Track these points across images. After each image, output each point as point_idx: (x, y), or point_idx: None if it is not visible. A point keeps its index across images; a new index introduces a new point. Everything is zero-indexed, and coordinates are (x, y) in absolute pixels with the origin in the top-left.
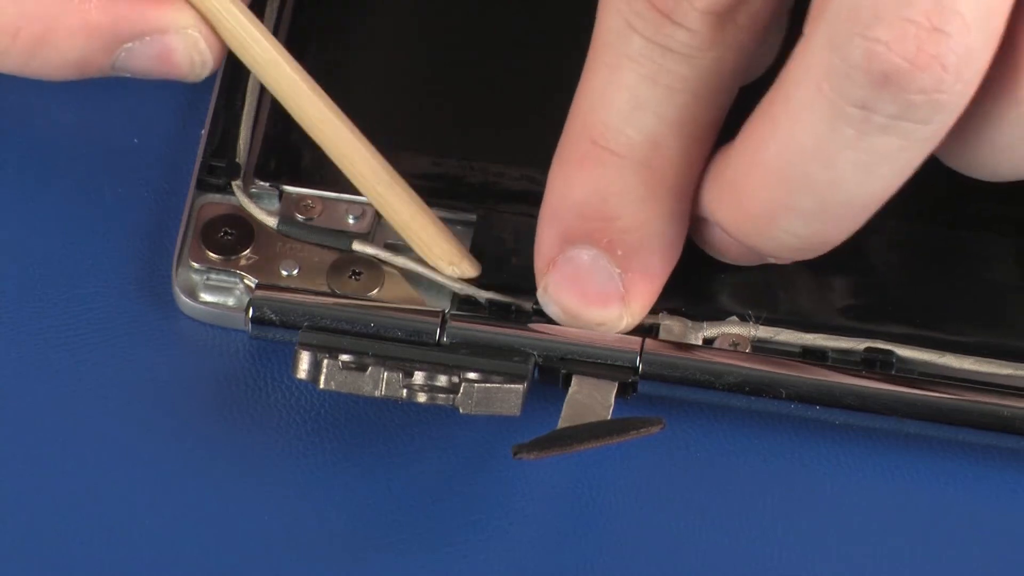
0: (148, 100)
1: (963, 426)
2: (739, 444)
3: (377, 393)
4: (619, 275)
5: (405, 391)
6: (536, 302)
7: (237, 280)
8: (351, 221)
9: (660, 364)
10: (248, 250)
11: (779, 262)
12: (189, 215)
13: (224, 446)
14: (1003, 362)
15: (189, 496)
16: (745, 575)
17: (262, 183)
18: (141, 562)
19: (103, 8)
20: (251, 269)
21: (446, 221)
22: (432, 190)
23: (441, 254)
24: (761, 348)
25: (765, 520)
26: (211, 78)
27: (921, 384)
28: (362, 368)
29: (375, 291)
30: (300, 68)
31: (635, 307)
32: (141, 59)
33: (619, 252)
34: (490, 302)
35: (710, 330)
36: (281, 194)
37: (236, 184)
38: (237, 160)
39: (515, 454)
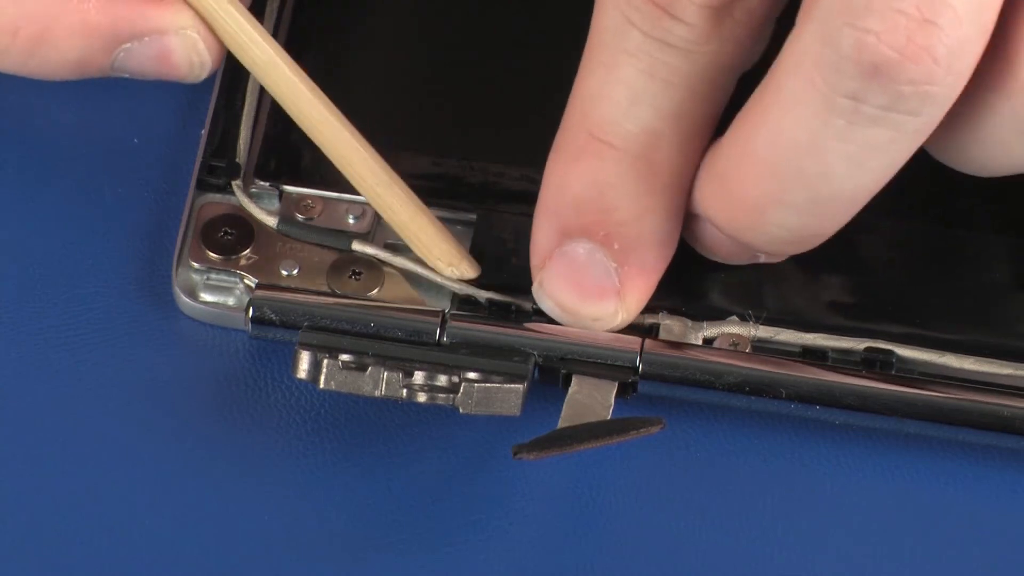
0: (148, 100)
1: (963, 426)
2: (739, 444)
3: (377, 393)
4: (615, 269)
5: (405, 391)
6: (536, 302)
7: (237, 280)
8: (351, 221)
9: (660, 364)
10: (248, 250)
11: (769, 260)
12: (189, 215)
13: (224, 446)
14: (1003, 362)
15: (189, 496)
16: (745, 575)
17: (262, 183)
18: (141, 562)
19: (102, 8)
20: (251, 269)
21: (446, 221)
22: (432, 190)
23: (440, 255)
24: (761, 348)
25: (765, 520)
26: (211, 78)
27: (921, 384)
28: (362, 368)
29: (375, 291)
30: (299, 69)
31: (631, 302)
32: (140, 59)
33: (616, 246)
34: (490, 302)
35: (710, 330)
36: (281, 194)
37: (236, 184)
38: (237, 160)
39: (515, 454)
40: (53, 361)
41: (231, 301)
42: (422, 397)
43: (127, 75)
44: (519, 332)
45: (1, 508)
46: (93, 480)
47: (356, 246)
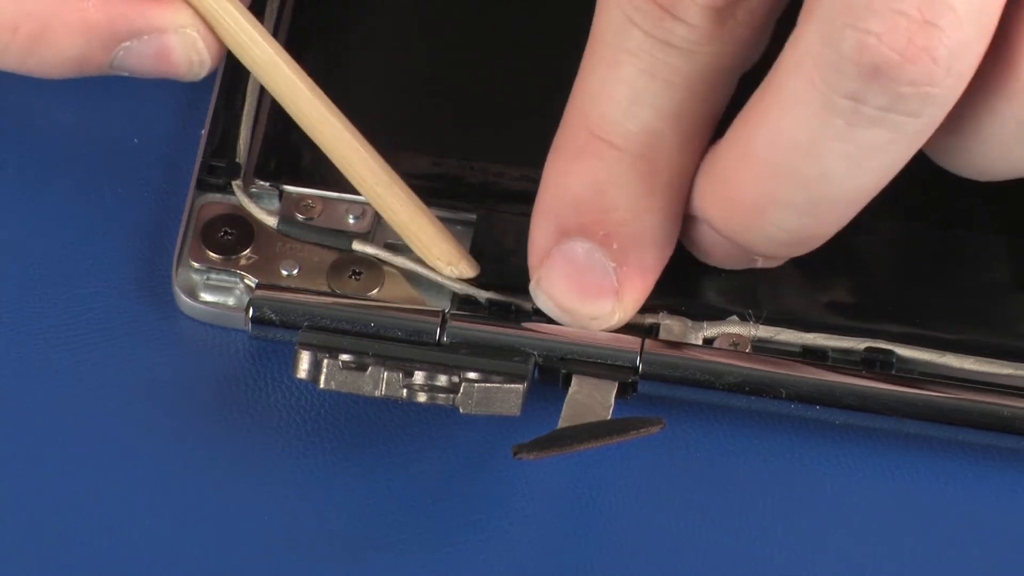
0: (148, 100)
1: (963, 426)
2: (739, 444)
3: (377, 393)
4: (614, 269)
5: (405, 391)
6: (534, 300)
7: (237, 280)
8: (351, 221)
9: (660, 364)
10: (248, 250)
11: (765, 265)
12: (189, 215)
13: (224, 446)
14: (1003, 362)
15: (189, 496)
16: (745, 575)
17: (262, 183)
18: (141, 562)
19: (101, 7)
20: (251, 269)
21: (446, 221)
22: (432, 190)
23: (439, 255)
24: (761, 348)
25: (765, 520)
26: (211, 78)
27: (921, 384)
28: (362, 368)
29: (375, 291)
30: (299, 68)
31: (628, 302)
32: (139, 58)
33: (615, 245)
34: (490, 302)
35: (710, 330)
36: (281, 194)
37: (236, 184)
38: (237, 160)
39: (515, 454)
40: (53, 361)
41: (231, 301)
42: (422, 397)
43: (127, 73)
44: (519, 332)
45: (1, 508)
46: (93, 480)
47: (356, 246)
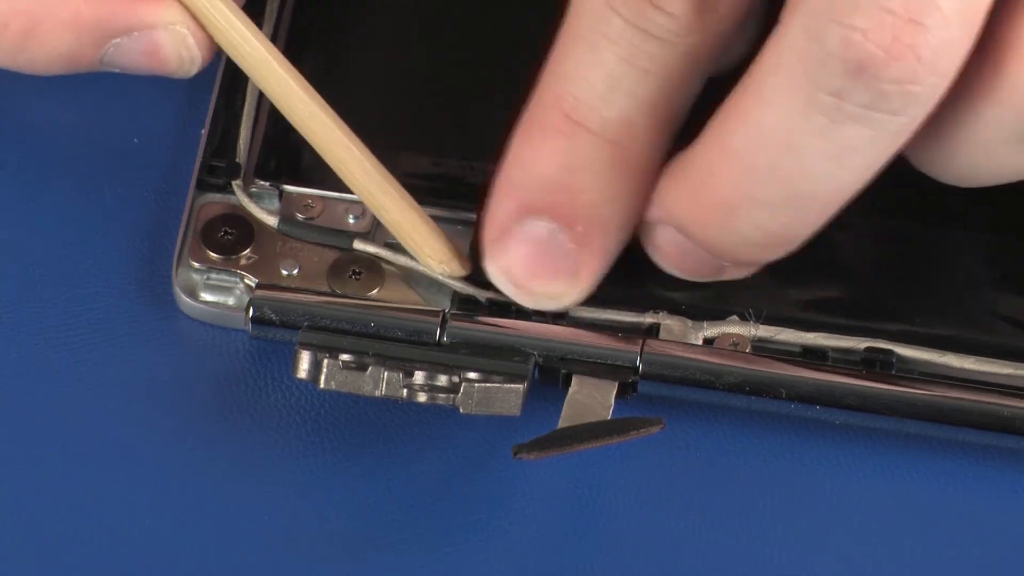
0: (148, 100)
1: (963, 426)
2: (739, 444)
3: (377, 393)
4: (574, 251)
5: (405, 391)
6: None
7: (237, 280)
8: (351, 220)
9: (660, 364)
10: (248, 250)
11: (733, 275)
12: (189, 215)
13: (224, 446)
14: (1003, 362)
15: (189, 496)
16: (745, 575)
17: (262, 183)
18: (141, 562)
19: (92, 3)
20: (251, 269)
21: (446, 221)
22: (432, 190)
23: (432, 253)
24: (761, 348)
25: (765, 520)
26: (211, 78)
27: (921, 384)
28: (362, 368)
29: (375, 291)
30: (290, 66)
31: (584, 285)
32: (130, 54)
33: (579, 228)
34: (490, 302)
35: (710, 330)
36: (281, 194)
37: (236, 184)
38: (237, 160)
39: (515, 454)
40: (53, 361)
41: (231, 301)
42: (422, 397)
43: (118, 70)
44: (519, 332)
45: (1, 508)
46: (93, 480)
47: (357, 245)
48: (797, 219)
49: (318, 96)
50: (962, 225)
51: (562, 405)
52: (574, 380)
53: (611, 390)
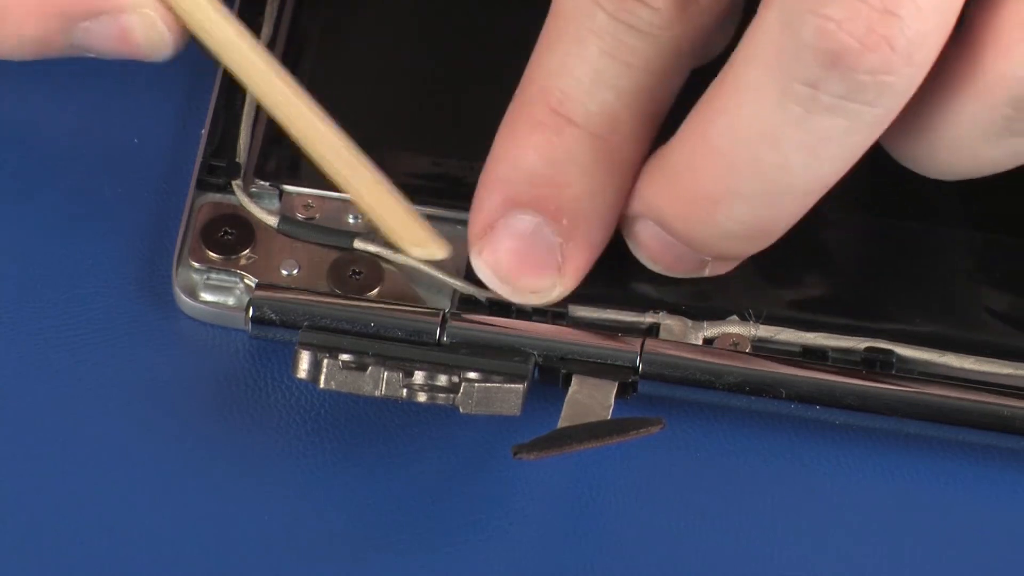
0: (148, 100)
1: (963, 426)
2: (739, 444)
3: (377, 393)
4: (560, 245)
5: (405, 391)
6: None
7: (237, 280)
8: (351, 220)
9: (660, 364)
10: (248, 250)
11: (714, 271)
12: (189, 215)
13: (224, 446)
14: (1003, 362)
15: (189, 496)
16: (745, 575)
17: (262, 183)
18: (141, 562)
19: None
20: (251, 269)
21: (446, 221)
22: (432, 190)
23: (408, 236)
24: (761, 348)
25: (765, 520)
26: (211, 78)
27: (921, 384)
28: (362, 368)
29: (375, 290)
30: (261, 49)
31: (569, 278)
32: (100, 38)
33: (564, 221)
34: (490, 301)
35: (710, 330)
36: (281, 194)
37: (236, 184)
38: (237, 160)
39: (515, 454)
40: (53, 361)
41: (231, 301)
42: (422, 397)
43: (90, 54)
44: (519, 332)
45: (1, 508)
46: (93, 480)
47: (358, 244)
48: (775, 211)
49: (290, 78)
50: (962, 225)
51: (562, 405)
52: (574, 380)
53: (611, 390)
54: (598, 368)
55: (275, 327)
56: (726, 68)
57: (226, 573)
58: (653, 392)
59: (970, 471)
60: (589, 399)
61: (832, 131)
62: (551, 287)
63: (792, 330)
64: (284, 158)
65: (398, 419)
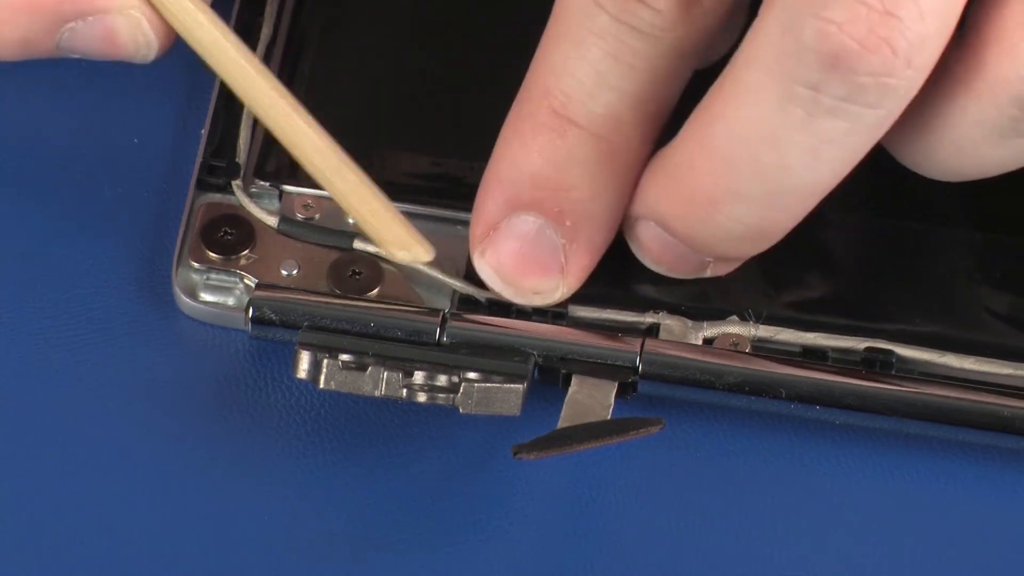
0: (148, 100)
1: (963, 426)
2: (739, 444)
3: (377, 393)
4: (563, 246)
5: (405, 391)
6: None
7: (237, 280)
8: (351, 220)
9: (660, 364)
10: (248, 250)
11: (715, 272)
12: (189, 215)
13: (224, 446)
14: (1003, 362)
15: (189, 496)
16: (745, 575)
17: (262, 183)
18: (141, 562)
19: None
20: (251, 269)
21: (446, 221)
22: (432, 190)
23: (392, 239)
24: (761, 348)
25: (765, 520)
26: (211, 78)
27: (921, 384)
28: (362, 368)
29: (375, 291)
30: (247, 51)
31: (572, 279)
32: (86, 40)
33: (568, 223)
34: (490, 302)
35: (710, 330)
36: (281, 194)
37: (236, 184)
38: (237, 160)
39: (515, 454)
40: (53, 361)
41: (231, 301)
42: (422, 397)
43: (76, 55)
44: (519, 332)
45: (1, 508)
46: (93, 480)
47: (358, 244)
48: (777, 212)
49: (275, 80)
50: (962, 225)
51: (562, 405)
52: (574, 380)
53: (611, 390)
54: (598, 368)
55: (275, 327)
56: (727, 70)
57: (226, 573)
58: (653, 392)
59: (970, 471)
60: (589, 399)
61: (833, 133)
62: (554, 288)
63: (792, 330)
64: (284, 158)
65: (398, 419)
